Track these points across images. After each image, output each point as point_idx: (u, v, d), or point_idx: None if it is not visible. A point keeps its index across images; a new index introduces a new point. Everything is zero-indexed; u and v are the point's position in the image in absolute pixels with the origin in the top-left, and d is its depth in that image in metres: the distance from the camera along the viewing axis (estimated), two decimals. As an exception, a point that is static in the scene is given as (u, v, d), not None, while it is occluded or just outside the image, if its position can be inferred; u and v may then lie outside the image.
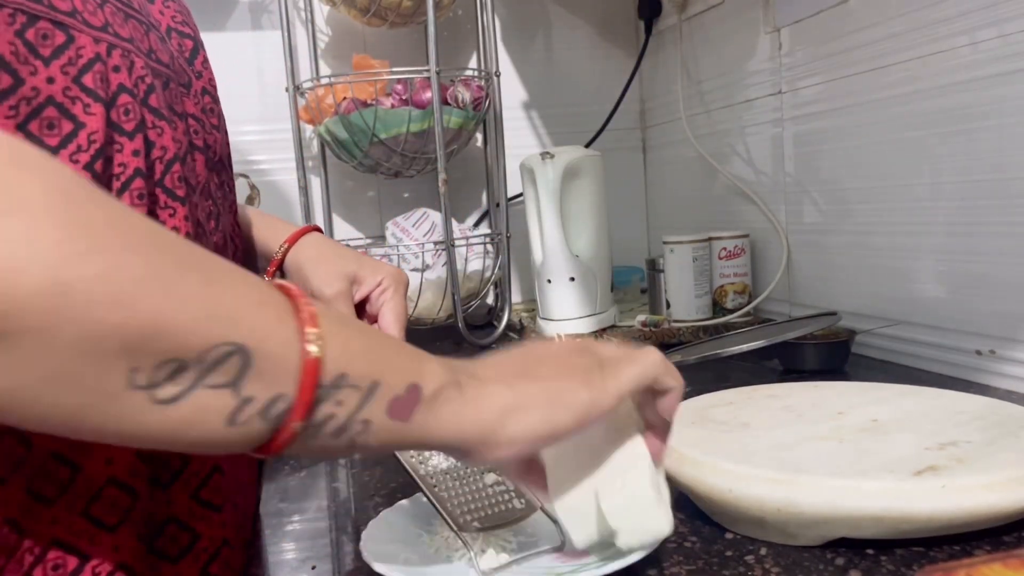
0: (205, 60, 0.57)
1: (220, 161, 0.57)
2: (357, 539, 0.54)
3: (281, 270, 0.71)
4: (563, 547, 0.49)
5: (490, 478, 0.53)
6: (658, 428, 0.47)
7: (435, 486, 0.51)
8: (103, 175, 0.42)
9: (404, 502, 0.55)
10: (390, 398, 0.37)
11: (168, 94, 0.49)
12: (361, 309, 0.69)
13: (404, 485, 0.58)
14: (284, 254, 0.70)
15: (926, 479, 0.46)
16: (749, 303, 1.14)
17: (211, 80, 0.57)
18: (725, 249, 1.13)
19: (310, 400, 0.34)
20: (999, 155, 0.77)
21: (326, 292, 0.66)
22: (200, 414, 0.33)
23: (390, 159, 1.20)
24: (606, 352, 0.44)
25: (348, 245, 0.91)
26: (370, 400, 0.36)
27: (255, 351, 0.33)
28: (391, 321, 0.68)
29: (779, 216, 1.12)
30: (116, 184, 0.43)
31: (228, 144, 0.62)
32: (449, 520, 0.49)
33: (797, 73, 1.06)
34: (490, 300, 1.38)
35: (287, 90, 1.21)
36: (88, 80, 0.42)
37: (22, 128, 0.39)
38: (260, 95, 1.33)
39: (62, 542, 0.40)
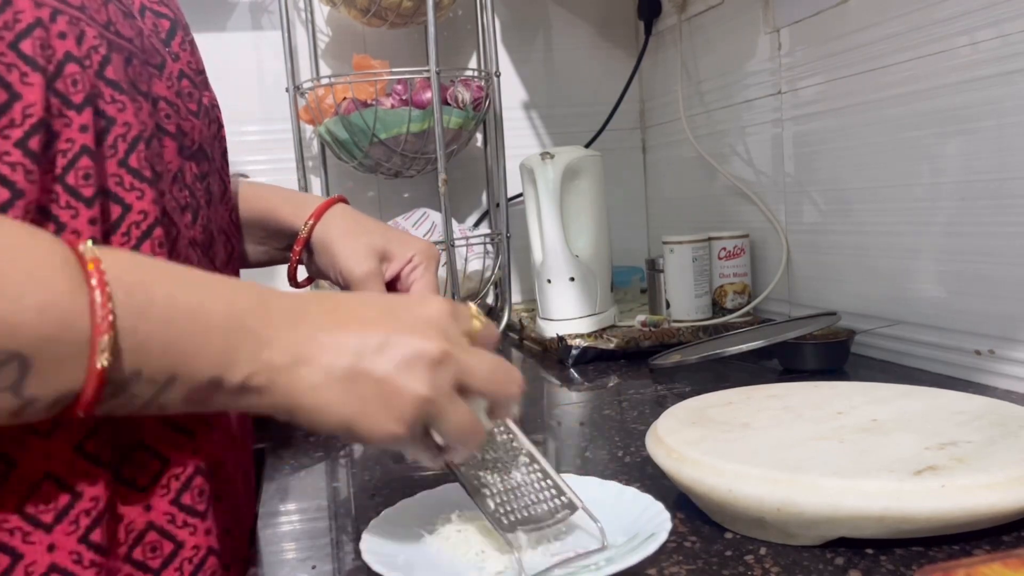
0: (185, 42, 0.54)
1: (199, 150, 0.54)
2: (357, 539, 0.54)
3: (309, 248, 0.67)
4: (605, 548, 0.48)
5: (524, 474, 0.52)
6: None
7: (475, 480, 0.49)
8: (42, 153, 0.39)
9: (406, 501, 0.55)
10: (187, 389, 0.37)
11: (131, 70, 0.46)
12: (392, 286, 0.66)
13: (405, 484, 0.59)
14: (310, 231, 0.66)
15: (926, 479, 0.46)
16: (749, 303, 1.14)
17: (191, 64, 0.54)
18: (725, 249, 1.13)
19: (96, 399, 0.35)
20: (999, 155, 0.77)
21: (355, 272, 0.63)
22: None
23: (390, 159, 1.20)
24: (420, 391, 0.41)
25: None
26: (166, 391, 0.37)
27: (34, 357, 0.33)
28: None
29: (779, 216, 1.13)
30: (62, 161, 0.40)
31: (219, 136, 0.59)
32: (492, 522, 0.48)
33: (797, 73, 1.06)
34: (490, 300, 1.38)
35: (287, 90, 1.21)
36: (26, 47, 0.39)
37: None
38: (260, 95, 1.33)
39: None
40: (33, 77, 0.39)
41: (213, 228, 0.56)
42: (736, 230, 1.14)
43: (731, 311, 1.13)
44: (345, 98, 1.17)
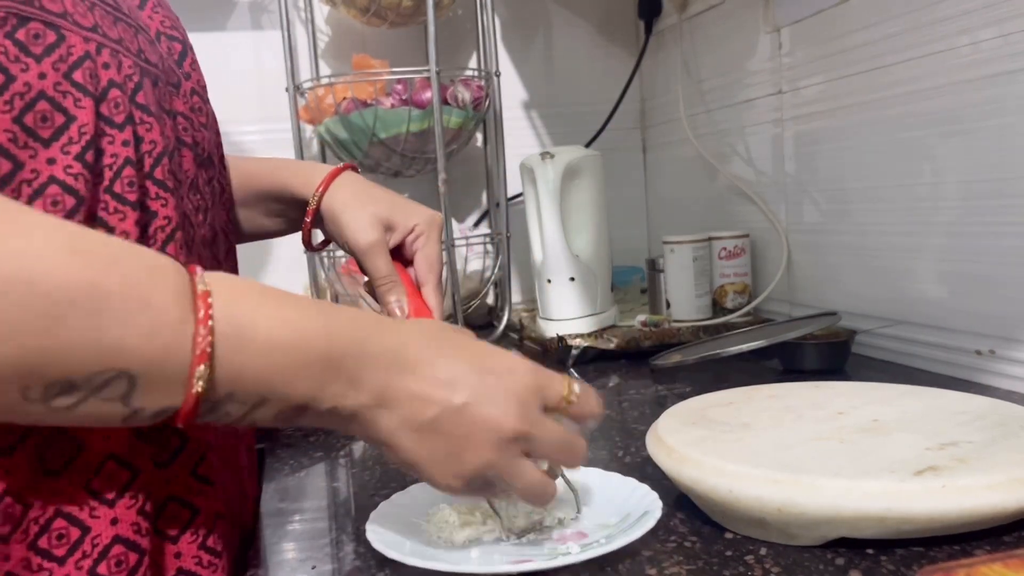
0: (193, 62, 0.59)
1: (208, 158, 0.58)
2: (357, 539, 0.54)
3: (319, 218, 0.69)
4: (579, 515, 0.53)
5: None
6: None
7: None
8: (94, 165, 0.44)
9: (398, 495, 0.57)
10: (276, 411, 0.42)
11: (157, 92, 0.51)
12: (397, 253, 0.68)
13: (404, 484, 0.59)
14: (319, 203, 0.68)
15: (927, 479, 0.46)
16: (749, 303, 1.14)
17: (199, 81, 0.59)
18: (725, 249, 1.13)
19: (192, 416, 0.39)
20: (999, 155, 0.77)
21: (360, 243, 0.65)
22: (96, 415, 0.37)
23: (390, 159, 1.20)
24: (488, 461, 0.46)
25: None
26: (256, 411, 0.41)
27: (141, 376, 0.37)
28: (424, 268, 0.67)
29: (779, 216, 1.12)
30: (108, 173, 0.45)
31: (219, 144, 0.63)
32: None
33: (797, 73, 1.06)
34: (490, 300, 1.38)
35: (287, 90, 1.20)
36: (78, 76, 0.44)
37: (18, 121, 0.41)
38: (260, 95, 1.33)
39: (65, 514, 0.42)
40: (85, 102, 0.44)
41: (217, 226, 0.59)
42: (736, 230, 1.14)
43: (731, 311, 1.13)
44: (345, 98, 1.17)
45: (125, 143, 0.46)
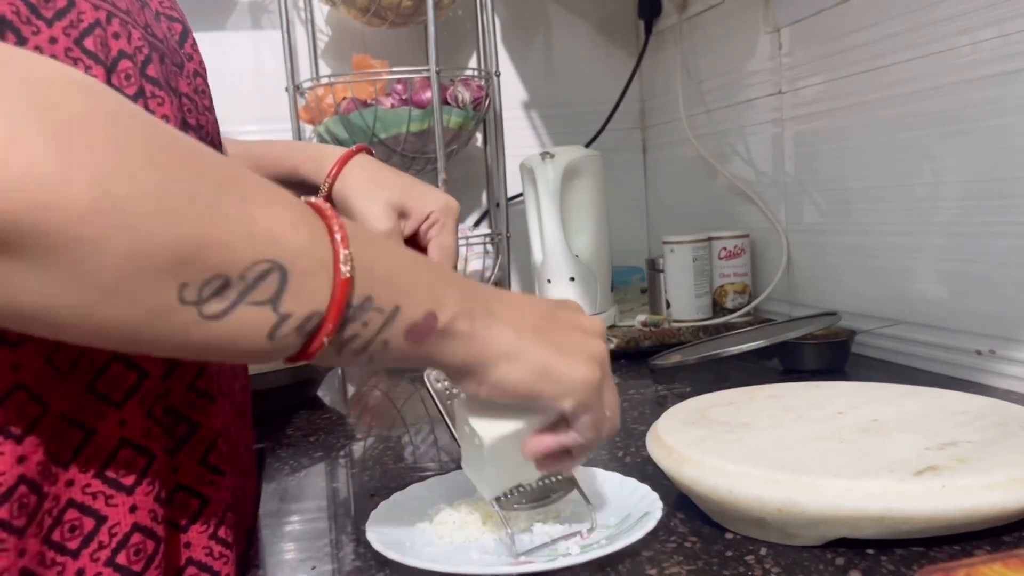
0: (194, 44, 0.57)
1: (211, 142, 0.57)
2: (357, 539, 0.54)
3: (331, 202, 0.66)
4: (594, 528, 0.51)
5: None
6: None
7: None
8: None
9: (398, 495, 0.57)
10: (408, 323, 0.40)
11: (164, 68, 0.49)
12: (412, 241, 0.66)
13: (404, 484, 0.59)
14: (330, 188, 0.66)
15: (927, 479, 0.46)
16: (749, 303, 1.14)
17: (201, 64, 0.57)
18: (725, 249, 1.13)
19: (339, 319, 0.37)
20: (999, 155, 0.77)
21: (374, 229, 0.63)
22: (243, 330, 0.35)
23: (390, 159, 1.20)
24: (602, 352, 0.47)
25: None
26: (391, 324, 0.39)
27: (291, 269, 0.35)
28: (438, 259, 0.65)
29: (779, 216, 1.12)
30: None
31: (219, 131, 0.62)
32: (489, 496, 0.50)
33: (797, 73, 1.06)
34: (490, 300, 1.37)
35: (287, 90, 1.21)
36: (89, 43, 0.42)
37: None
38: (260, 95, 1.33)
39: (78, 504, 0.41)
40: (96, 70, 0.42)
41: None
42: (736, 230, 1.14)
43: (731, 311, 1.13)
44: (345, 98, 1.17)
45: None
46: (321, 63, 1.34)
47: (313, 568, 0.51)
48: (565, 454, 0.48)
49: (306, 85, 1.20)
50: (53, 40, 0.40)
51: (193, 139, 0.35)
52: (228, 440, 0.52)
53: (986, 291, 0.80)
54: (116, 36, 0.44)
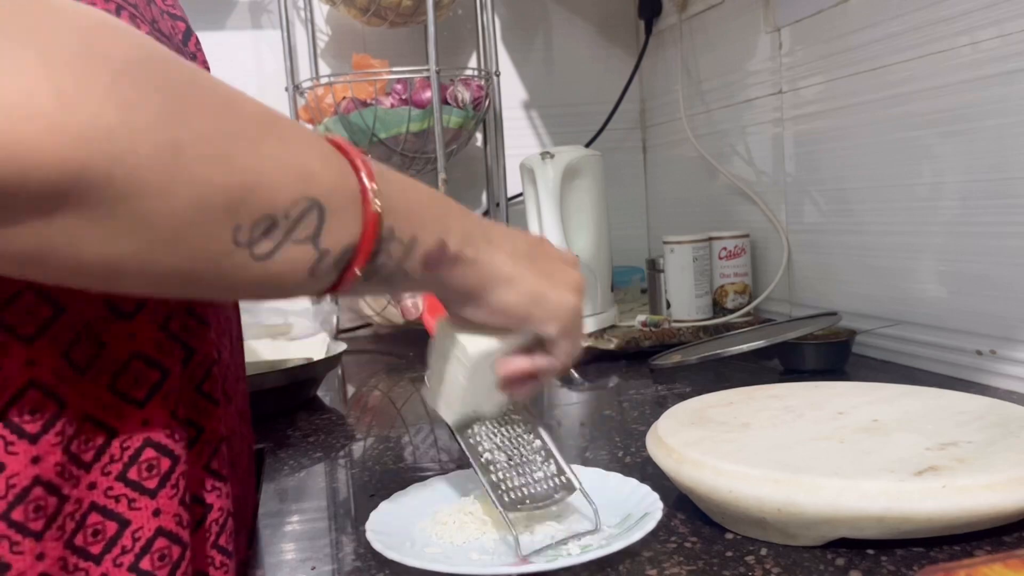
0: (198, 43, 0.57)
1: None
2: (357, 539, 0.54)
3: None
4: (597, 530, 0.51)
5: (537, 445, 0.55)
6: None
7: (481, 457, 0.52)
8: None
9: (398, 495, 0.57)
10: (423, 252, 0.42)
11: None
12: None
13: (404, 484, 0.59)
14: None
15: (927, 479, 0.46)
16: (749, 303, 1.14)
17: (205, 63, 0.58)
18: (725, 249, 1.13)
19: (370, 252, 0.38)
20: (999, 155, 0.77)
21: None
22: (289, 266, 0.36)
23: (390, 159, 1.20)
24: (580, 281, 0.51)
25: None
26: (410, 253, 0.41)
27: (327, 205, 0.36)
28: None
29: (779, 216, 1.12)
30: None
31: None
32: (493, 496, 0.50)
33: (797, 73, 1.06)
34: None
35: (287, 90, 1.21)
36: None
37: None
38: (259, 95, 1.31)
39: (100, 507, 0.40)
40: None
41: None
42: (737, 230, 1.14)
43: (732, 311, 1.13)
44: (344, 97, 1.17)
45: None
46: (321, 63, 1.34)
47: (313, 568, 0.51)
48: (530, 378, 0.51)
49: (306, 85, 1.20)
50: None
51: (227, 83, 0.35)
52: (231, 446, 0.51)
53: (986, 291, 0.80)
54: None
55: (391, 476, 0.67)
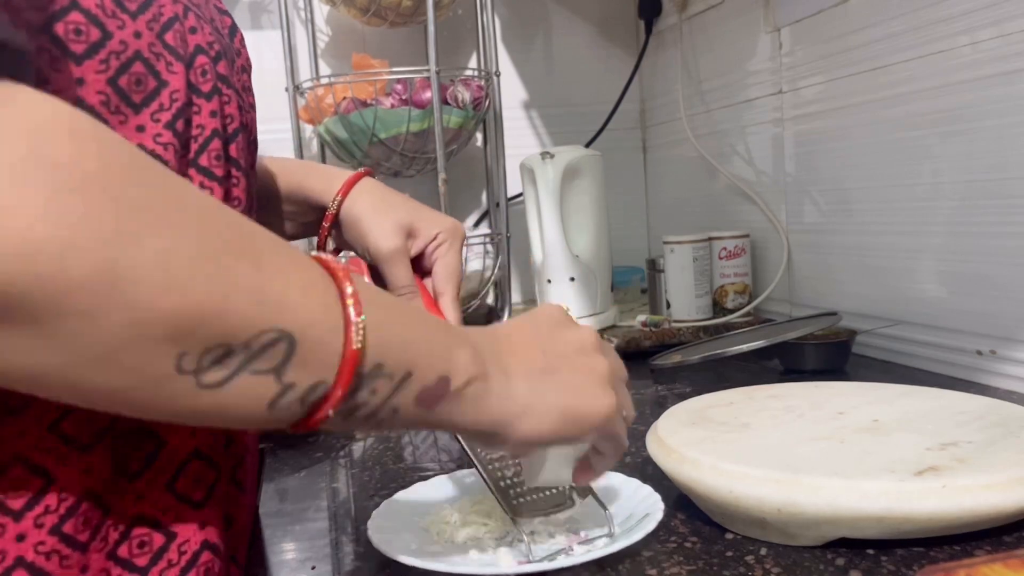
0: (242, 39, 0.56)
1: (252, 142, 0.56)
2: (357, 539, 0.54)
3: (336, 222, 0.67)
4: (611, 534, 0.50)
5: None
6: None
7: (489, 465, 0.52)
8: (183, 135, 0.42)
9: (398, 494, 0.57)
10: (420, 388, 0.38)
11: (227, 64, 0.48)
12: (417, 262, 0.66)
13: (404, 484, 0.59)
14: (339, 207, 0.66)
15: (927, 479, 0.46)
16: (749, 303, 1.13)
17: (248, 60, 0.56)
18: (725, 249, 1.13)
19: (347, 390, 0.35)
20: (999, 155, 0.77)
21: (383, 250, 0.63)
22: (243, 399, 0.33)
23: (390, 159, 1.20)
24: (607, 368, 0.46)
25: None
26: (401, 389, 0.37)
27: (300, 338, 0.33)
28: (443, 278, 0.65)
29: (779, 216, 1.12)
30: (194, 145, 0.43)
31: (257, 130, 0.61)
32: (504, 504, 0.50)
33: (797, 73, 1.06)
34: (490, 300, 1.37)
35: (287, 90, 1.20)
36: (170, 38, 0.41)
37: (112, 83, 0.38)
38: (259, 95, 1.31)
39: (148, 519, 0.39)
40: (176, 66, 0.41)
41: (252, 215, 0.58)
42: (737, 230, 1.14)
43: (732, 311, 1.13)
44: (345, 98, 1.17)
45: (212, 114, 0.43)
46: (321, 63, 1.34)
47: (313, 568, 0.51)
48: (589, 467, 0.49)
49: (306, 85, 1.20)
50: (138, 35, 0.39)
51: (207, 195, 0.34)
52: (252, 458, 0.50)
53: (986, 291, 0.80)
54: (192, 31, 0.43)
55: (391, 476, 0.67)
